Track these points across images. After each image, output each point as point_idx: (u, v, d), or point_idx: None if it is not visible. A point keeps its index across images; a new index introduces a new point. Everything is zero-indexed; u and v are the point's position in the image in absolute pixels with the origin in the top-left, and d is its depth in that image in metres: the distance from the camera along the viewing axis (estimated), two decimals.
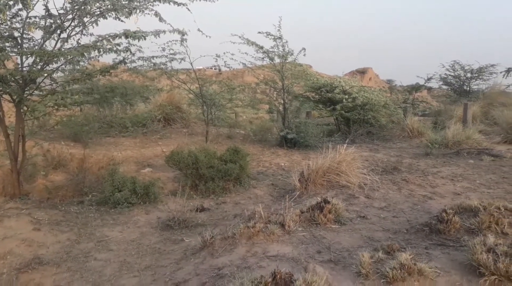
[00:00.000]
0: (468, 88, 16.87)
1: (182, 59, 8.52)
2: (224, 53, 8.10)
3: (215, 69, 9.77)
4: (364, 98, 10.86)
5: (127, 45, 5.00)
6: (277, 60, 8.95)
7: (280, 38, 8.64)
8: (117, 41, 5.02)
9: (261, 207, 4.20)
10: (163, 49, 8.30)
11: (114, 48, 5.06)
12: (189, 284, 3.10)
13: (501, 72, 16.02)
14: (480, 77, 16.52)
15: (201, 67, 9.31)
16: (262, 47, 8.85)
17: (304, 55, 9.43)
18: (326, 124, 13.64)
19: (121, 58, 5.22)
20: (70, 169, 6.65)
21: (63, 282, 3.47)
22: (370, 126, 11.39)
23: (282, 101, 9.31)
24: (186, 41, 8.33)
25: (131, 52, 5.13)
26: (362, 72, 34.92)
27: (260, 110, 17.89)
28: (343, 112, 10.84)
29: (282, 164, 7.71)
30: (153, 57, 6.78)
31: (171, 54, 7.63)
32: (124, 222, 4.96)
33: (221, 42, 9.13)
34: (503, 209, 3.52)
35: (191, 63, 8.48)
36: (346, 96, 10.80)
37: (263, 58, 9.06)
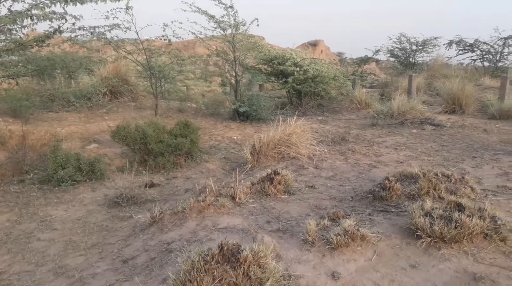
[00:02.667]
0: (413, 60, 17.59)
1: (127, 28, 8.12)
2: (172, 22, 7.78)
3: (164, 39, 9.32)
4: (315, 71, 10.98)
5: (62, 12, 4.63)
6: (228, 30, 8.75)
7: (231, 7, 8.42)
8: (52, 8, 4.66)
9: (213, 180, 4.18)
10: (107, 18, 7.85)
11: (50, 16, 4.68)
12: (138, 260, 3.05)
13: (443, 45, 16.85)
14: (425, 49, 17.27)
15: (148, 38, 8.84)
16: (213, 17, 8.59)
17: (258, 25, 9.30)
18: (279, 97, 13.72)
19: (56, 27, 4.83)
20: (9, 147, 6.23)
21: (2, 265, 3.29)
22: (321, 98, 11.60)
23: (234, 74, 9.17)
24: (131, 9, 7.94)
25: (66, 20, 4.77)
26: (313, 44, 35.20)
27: (212, 83, 17.58)
28: (294, 84, 10.92)
29: (235, 137, 7.69)
30: (94, 26, 6.36)
31: (114, 24, 7.20)
32: (69, 200, 4.76)
33: (174, 8, 8.75)
34: (440, 176, 3.75)
35: (137, 33, 8.09)
36: (298, 69, 10.86)
37: (215, 28, 8.81)
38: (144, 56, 8.56)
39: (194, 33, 8.55)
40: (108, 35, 7.94)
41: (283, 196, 4.01)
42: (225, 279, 1.99)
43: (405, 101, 9.00)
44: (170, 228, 3.40)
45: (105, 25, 7.22)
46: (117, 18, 7.58)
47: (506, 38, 15.83)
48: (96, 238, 3.79)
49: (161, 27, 7.86)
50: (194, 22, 8.35)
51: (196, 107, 10.21)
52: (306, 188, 4.30)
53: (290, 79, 10.74)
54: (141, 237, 3.51)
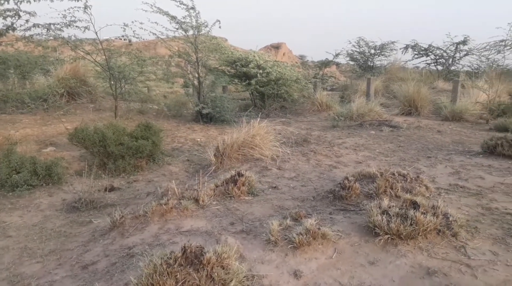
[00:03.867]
0: (372, 64, 18.22)
1: (86, 27, 7.87)
2: (133, 22, 7.62)
3: (124, 39, 9.09)
4: (277, 73, 11.12)
5: (16, 8, 4.41)
6: (190, 31, 8.68)
7: (193, 8, 8.36)
8: (6, 5, 4.43)
9: (176, 183, 4.13)
10: (64, 17, 7.58)
11: (2, 14, 4.46)
12: (98, 265, 2.97)
13: (400, 49, 17.58)
14: (382, 53, 17.93)
15: (108, 38, 8.62)
16: (175, 18, 8.49)
17: (220, 27, 9.30)
18: (243, 99, 13.76)
19: (9, 24, 4.61)
20: None
21: None
22: (284, 100, 11.76)
23: (196, 75, 9.11)
24: (90, 8, 7.71)
25: (20, 16, 4.55)
26: (276, 47, 35.56)
27: (175, 84, 17.35)
28: (258, 86, 11.01)
29: (198, 139, 7.63)
30: (50, 23, 6.12)
31: (71, 21, 6.97)
32: (24, 206, 4.54)
33: (135, 9, 8.58)
34: (397, 175, 3.91)
35: (96, 33, 7.87)
36: (261, 71, 10.97)
37: (177, 29, 8.71)
38: (104, 57, 8.33)
39: (155, 34, 8.41)
40: (66, 34, 7.68)
41: (247, 198, 4.03)
42: (188, 281, 1.98)
43: (364, 104, 9.31)
44: (131, 233, 3.33)
45: (61, 22, 6.95)
46: (75, 17, 7.34)
47: (457, 43, 16.75)
48: (54, 244, 3.64)
49: (121, 27, 7.69)
50: (155, 22, 8.23)
51: (158, 109, 10.03)
52: (270, 189, 4.35)
53: (253, 81, 10.81)
54: (101, 242, 3.41)
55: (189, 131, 8.18)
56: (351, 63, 19.26)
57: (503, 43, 13.18)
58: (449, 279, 2.38)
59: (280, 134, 7.58)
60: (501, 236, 2.90)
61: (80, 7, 7.49)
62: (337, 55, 16.43)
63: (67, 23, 7.06)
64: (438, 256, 2.61)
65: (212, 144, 6.12)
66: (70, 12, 7.50)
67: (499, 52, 13.52)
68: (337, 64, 19.78)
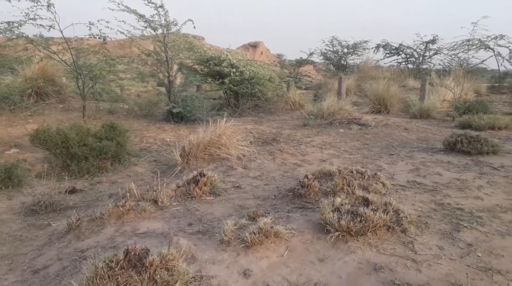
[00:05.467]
0: (345, 63, 18.46)
1: (50, 26, 7.70)
2: (99, 20, 7.49)
3: (99, 38, 8.92)
4: (251, 72, 11.13)
5: None
6: (159, 30, 8.59)
7: (161, 7, 8.28)
8: None
9: (140, 184, 4.11)
10: (27, 15, 7.40)
11: None
12: (50, 269, 2.91)
13: (371, 48, 17.89)
14: (355, 52, 18.20)
15: (82, 36, 8.46)
16: (143, 16, 8.39)
17: (194, 27, 9.26)
18: (218, 98, 13.72)
19: None
20: None
21: None
22: (258, 99, 11.77)
23: (166, 74, 9.02)
24: (53, 6, 7.54)
25: None
26: (254, 46, 35.52)
27: (149, 83, 17.15)
28: (231, 85, 10.98)
29: (168, 139, 7.57)
30: (9, 21, 5.96)
31: (30, 18, 6.82)
32: None
33: (102, 8, 8.45)
34: (355, 173, 3.98)
35: (61, 31, 7.69)
36: (234, 70, 10.95)
37: (145, 27, 8.61)
38: (71, 56, 8.16)
39: (123, 33, 8.29)
40: (30, 33, 7.53)
41: (209, 198, 4.03)
42: (130, 284, 1.97)
43: (335, 102, 9.41)
44: (87, 236, 3.28)
45: (21, 20, 6.78)
46: (38, 15, 7.16)
47: (427, 42, 17.17)
48: (7, 249, 3.55)
49: (87, 26, 7.54)
50: (123, 21, 8.10)
51: (129, 108, 9.89)
52: (233, 189, 4.36)
53: (226, 80, 10.78)
54: (56, 245, 3.34)
55: (159, 131, 8.11)
56: (326, 62, 19.47)
57: (470, 43, 13.61)
58: (395, 274, 2.44)
59: (251, 133, 7.61)
60: (449, 230, 2.99)
61: (43, 5, 7.33)
62: (311, 54, 16.58)
63: (25, 20, 6.89)
64: (386, 252, 2.67)
65: (180, 144, 6.08)
66: (33, 11, 7.33)
67: (468, 50, 13.96)
68: (312, 63, 19.97)
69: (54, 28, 7.71)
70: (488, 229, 3.01)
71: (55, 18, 7.53)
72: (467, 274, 2.34)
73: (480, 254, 2.63)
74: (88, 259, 2.78)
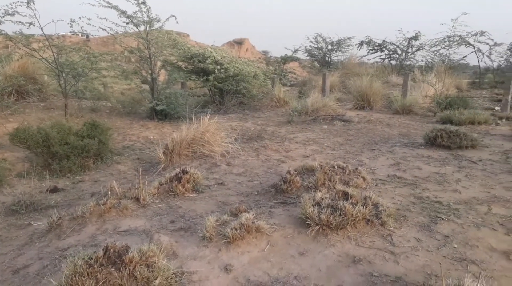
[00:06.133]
0: (329, 59, 18.58)
1: (30, 23, 7.56)
2: (80, 18, 7.39)
3: (82, 35, 8.81)
4: (235, 69, 11.12)
5: None
6: (142, 27, 8.51)
7: (144, 3, 8.19)
8: None
9: (123, 182, 4.08)
10: (6, 12, 7.26)
11: None
12: (30, 269, 2.88)
13: (355, 45, 18.04)
14: (339, 49, 18.33)
15: (64, 33, 8.36)
16: (125, 12, 8.29)
17: (177, 23, 9.19)
18: (203, 95, 13.66)
19: None
20: None
21: None
22: (243, 96, 11.77)
23: (150, 71, 8.95)
24: (33, 3, 7.41)
25: None
26: (239, 42, 35.47)
27: (133, 80, 17.00)
28: (216, 82, 10.96)
29: (151, 137, 7.52)
30: None
31: (7, 13, 6.72)
32: None
33: (80, 4, 8.35)
34: (336, 168, 4.03)
35: (41, 28, 7.57)
36: (218, 67, 10.92)
37: (127, 23, 8.51)
38: (52, 53, 8.02)
39: (105, 30, 8.18)
40: (10, 30, 7.39)
41: (192, 195, 4.03)
42: (110, 281, 1.97)
43: (319, 99, 9.47)
44: (68, 234, 3.26)
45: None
46: (16, 11, 7.03)
47: (410, 39, 17.40)
48: None
49: (68, 23, 7.44)
50: (105, 18, 8.00)
51: (112, 106, 9.78)
52: (216, 186, 4.36)
53: (211, 77, 10.76)
54: (37, 245, 3.31)
55: (142, 128, 8.05)
56: (310, 58, 19.56)
57: (451, 39, 13.84)
58: (373, 266, 2.49)
59: (235, 130, 7.62)
60: (427, 223, 3.07)
61: (23, 2, 7.20)
62: (295, 51, 16.65)
63: (3, 16, 6.77)
64: (365, 245, 2.72)
65: (163, 142, 6.05)
66: (12, 7, 7.20)
67: (449, 47, 14.19)
68: (296, 60, 20.04)
69: (34, 25, 7.59)
70: (464, 221, 3.09)
71: (35, 15, 7.41)
72: (440, 264, 2.40)
73: (456, 245, 2.71)
74: (68, 258, 2.79)
